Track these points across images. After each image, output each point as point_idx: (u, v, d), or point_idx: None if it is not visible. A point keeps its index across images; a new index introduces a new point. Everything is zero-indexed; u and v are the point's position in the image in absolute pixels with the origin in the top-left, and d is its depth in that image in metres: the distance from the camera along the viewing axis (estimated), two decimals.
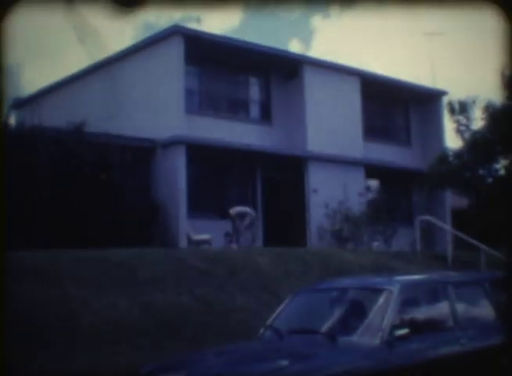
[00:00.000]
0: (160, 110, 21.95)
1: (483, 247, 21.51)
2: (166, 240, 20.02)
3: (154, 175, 21.64)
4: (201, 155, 21.74)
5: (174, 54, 21.74)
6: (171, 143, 21.24)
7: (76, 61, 66.99)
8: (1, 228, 7.93)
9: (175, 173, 20.99)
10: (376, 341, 7.57)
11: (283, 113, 24.44)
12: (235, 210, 20.13)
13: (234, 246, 19.39)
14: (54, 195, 17.66)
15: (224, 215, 20.09)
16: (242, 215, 20.23)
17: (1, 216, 8.15)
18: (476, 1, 16.28)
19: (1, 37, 7.72)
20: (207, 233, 19.86)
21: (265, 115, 24.62)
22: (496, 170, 18.66)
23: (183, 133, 21.12)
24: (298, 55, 26.40)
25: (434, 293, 9.04)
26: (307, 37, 73.35)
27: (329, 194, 23.32)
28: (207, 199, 21.92)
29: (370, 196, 26.09)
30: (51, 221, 17.30)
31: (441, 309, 8.89)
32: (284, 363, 7.18)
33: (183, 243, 19.99)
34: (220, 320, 13.20)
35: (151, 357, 9.26)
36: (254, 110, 24.77)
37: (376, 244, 23.53)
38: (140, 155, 21.11)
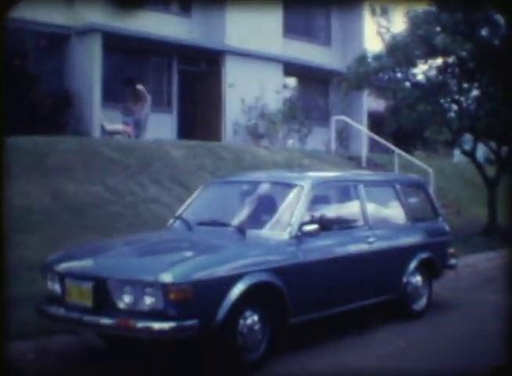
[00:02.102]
0: None
1: (397, 150, 21.87)
2: (79, 130, 19.71)
3: (69, 64, 21.10)
4: (117, 45, 21.23)
5: None
6: (87, 31, 20.67)
7: None
8: None
9: (90, 62, 20.51)
10: (285, 236, 7.63)
11: (203, 4, 23.93)
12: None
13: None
14: None
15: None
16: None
17: None
18: (483, 2, 16.15)
19: (1, 37, 7.53)
20: (120, 123, 19.57)
21: (185, 7, 24.07)
22: (414, 74, 18.74)
23: (99, 21, 20.54)
24: None
25: (345, 191, 9.13)
26: None
27: (246, 90, 23.15)
28: (123, 89, 21.54)
29: (287, 94, 26.03)
30: None
31: (352, 207, 9.00)
32: (189, 253, 7.18)
33: (97, 133, 19.70)
34: (131, 211, 13.16)
35: (62, 247, 9.15)
36: (174, 1, 24.19)
37: (291, 141, 23.63)
38: (55, 42, 20.51)
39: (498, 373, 5.37)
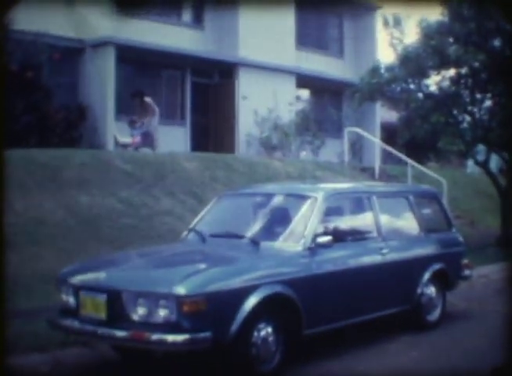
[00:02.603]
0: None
1: (410, 161, 21.84)
2: (93, 143, 19.77)
3: (83, 77, 21.19)
4: (131, 58, 21.34)
5: None
6: (100, 44, 20.77)
7: None
8: None
9: (104, 75, 20.59)
10: (299, 248, 7.64)
11: (216, 16, 24.01)
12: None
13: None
14: None
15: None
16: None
17: None
18: (476, 0, 16.18)
19: (1, 37, 7.59)
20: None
21: (198, 19, 24.17)
22: (426, 85, 18.75)
23: (113, 34, 20.63)
24: None
25: (358, 202, 9.13)
26: None
27: (259, 102, 23.17)
28: (131, 102, 21.63)
29: (300, 106, 26.06)
30: None
31: (365, 218, 8.99)
32: (203, 265, 7.19)
33: (110, 145, 19.75)
34: (145, 223, 13.18)
35: (76, 259, 9.18)
36: (187, 14, 24.29)
37: (304, 153, 23.63)
38: (69, 55, 20.61)
39: (498, 373, 5.34)
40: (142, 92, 19.54)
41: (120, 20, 20.25)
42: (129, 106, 19.94)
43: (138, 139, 18.78)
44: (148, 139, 18.90)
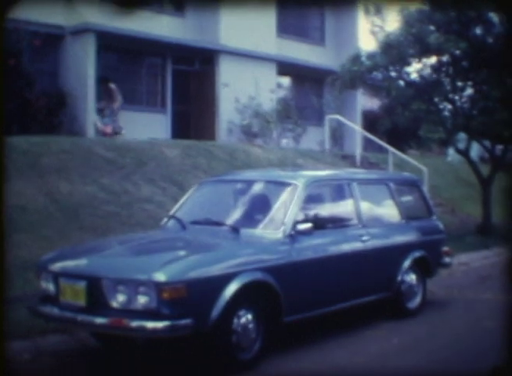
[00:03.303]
0: None
1: (391, 148, 21.90)
2: (74, 130, 19.68)
3: (64, 63, 21.04)
4: (111, 45, 21.19)
5: None
6: (80, 31, 20.64)
7: None
8: None
9: (84, 62, 20.46)
10: (279, 235, 7.63)
11: (197, 3, 23.88)
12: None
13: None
14: None
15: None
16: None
17: None
18: (476, 1, 16.16)
19: (1, 37, 7.52)
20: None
21: (179, 6, 24.03)
22: (407, 73, 18.76)
23: (94, 21, 20.50)
24: None
25: (338, 189, 9.12)
26: None
27: (240, 89, 23.12)
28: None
29: (281, 93, 26.03)
30: None
31: (345, 205, 9.00)
32: (183, 252, 7.18)
33: (91, 132, 19.68)
34: (126, 210, 13.15)
35: (57, 247, 9.15)
36: (167, 1, 24.12)
37: (285, 141, 23.61)
38: (50, 42, 20.47)
39: (499, 372, 5.35)
40: (108, 78, 19.64)
41: (101, 7, 20.14)
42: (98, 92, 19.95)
43: (109, 128, 18.85)
44: (116, 125, 19.03)
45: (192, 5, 23.85)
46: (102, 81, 19.62)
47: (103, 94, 19.51)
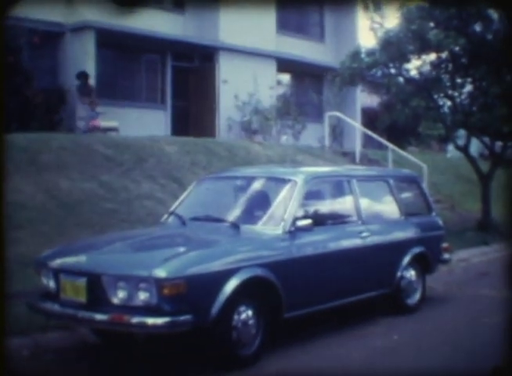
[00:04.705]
0: None
1: (390, 145, 21.90)
2: (73, 127, 19.70)
3: (63, 60, 21.05)
4: (111, 42, 21.21)
5: None
6: (80, 28, 20.64)
7: None
8: None
9: (84, 59, 20.47)
10: (279, 231, 7.64)
11: (196, 0, 23.88)
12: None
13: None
14: None
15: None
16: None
17: None
18: (476, 1, 16.16)
19: (1, 37, 7.53)
20: (115, 120, 19.58)
21: (178, 3, 24.03)
22: (407, 70, 18.75)
23: (93, 18, 20.50)
24: None
25: (338, 186, 9.13)
26: None
27: (240, 86, 23.12)
28: (117, 86, 21.52)
29: (281, 90, 26.02)
30: None
31: (345, 202, 9.01)
32: (183, 249, 7.18)
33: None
34: (125, 207, 13.14)
35: (56, 243, 9.13)
36: None
37: (284, 137, 23.61)
38: (49, 39, 20.47)
39: (499, 372, 5.36)
40: (87, 73, 19.64)
41: (101, 6, 20.14)
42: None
43: (98, 121, 18.94)
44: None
45: (191, 2, 23.84)
46: (81, 77, 19.64)
47: (83, 89, 19.55)
